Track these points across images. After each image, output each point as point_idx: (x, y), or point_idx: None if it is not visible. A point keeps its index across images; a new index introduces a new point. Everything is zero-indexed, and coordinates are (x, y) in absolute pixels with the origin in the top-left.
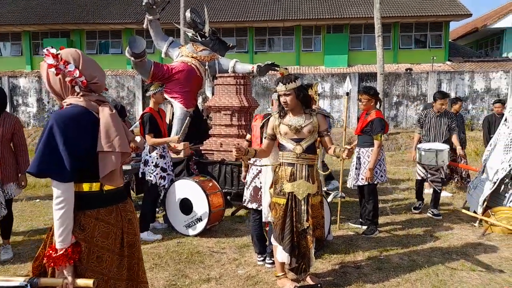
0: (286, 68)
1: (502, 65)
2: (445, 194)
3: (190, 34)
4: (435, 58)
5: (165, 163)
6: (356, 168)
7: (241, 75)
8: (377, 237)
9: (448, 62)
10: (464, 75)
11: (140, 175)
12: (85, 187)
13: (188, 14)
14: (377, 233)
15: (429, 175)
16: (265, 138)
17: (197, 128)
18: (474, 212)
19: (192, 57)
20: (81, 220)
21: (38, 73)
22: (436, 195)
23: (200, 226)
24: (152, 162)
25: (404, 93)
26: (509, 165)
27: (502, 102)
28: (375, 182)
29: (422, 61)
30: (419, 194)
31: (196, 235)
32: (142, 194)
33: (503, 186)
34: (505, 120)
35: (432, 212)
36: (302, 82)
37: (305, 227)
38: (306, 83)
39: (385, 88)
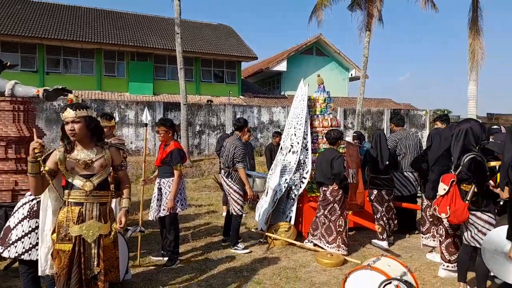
0: (77, 96)
1: (281, 101)
2: None
3: None
4: (230, 92)
5: None
6: (157, 200)
7: (21, 99)
8: (178, 267)
9: (241, 97)
10: (253, 109)
11: None
12: None
13: None
14: (178, 262)
15: None
16: (39, 173)
17: None
18: (261, 229)
19: None
20: None
21: None
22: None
23: None
24: None
25: (206, 122)
26: (284, 186)
27: (279, 133)
28: (177, 211)
29: (221, 94)
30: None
31: None
32: None
33: (282, 205)
34: (281, 148)
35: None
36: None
37: (96, 273)
38: (105, 113)
39: (189, 118)
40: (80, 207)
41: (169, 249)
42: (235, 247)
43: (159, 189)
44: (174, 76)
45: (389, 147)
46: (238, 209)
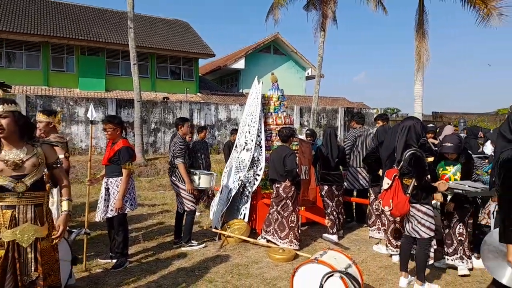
0: (7, 91)
1: (239, 99)
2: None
3: None
4: (188, 89)
5: None
6: (105, 200)
7: None
8: (127, 269)
9: (198, 94)
10: (210, 106)
11: None
12: None
13: None
14: (127, 264)
15: None
16: None
17: None
18: (216, 228)
19: None
20: None
21: None
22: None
23: None
24: None
25: (162, 120)
26: (238, 184)
27: (236, 130)
28: (125, 212)
29: (177, 91)
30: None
31: None
32: None
33: (236, 202)
34: (235, 146)
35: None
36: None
37: (34, 278)
38: (45, 108)
39: (143, 115)
40: (12, 210)
41: (117, 250)
42: (189, 244)
43: (107, 189)
44: (128, 72)
45: (349, 141)
46: (191, 205)
